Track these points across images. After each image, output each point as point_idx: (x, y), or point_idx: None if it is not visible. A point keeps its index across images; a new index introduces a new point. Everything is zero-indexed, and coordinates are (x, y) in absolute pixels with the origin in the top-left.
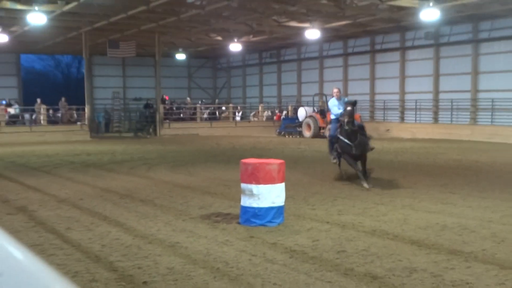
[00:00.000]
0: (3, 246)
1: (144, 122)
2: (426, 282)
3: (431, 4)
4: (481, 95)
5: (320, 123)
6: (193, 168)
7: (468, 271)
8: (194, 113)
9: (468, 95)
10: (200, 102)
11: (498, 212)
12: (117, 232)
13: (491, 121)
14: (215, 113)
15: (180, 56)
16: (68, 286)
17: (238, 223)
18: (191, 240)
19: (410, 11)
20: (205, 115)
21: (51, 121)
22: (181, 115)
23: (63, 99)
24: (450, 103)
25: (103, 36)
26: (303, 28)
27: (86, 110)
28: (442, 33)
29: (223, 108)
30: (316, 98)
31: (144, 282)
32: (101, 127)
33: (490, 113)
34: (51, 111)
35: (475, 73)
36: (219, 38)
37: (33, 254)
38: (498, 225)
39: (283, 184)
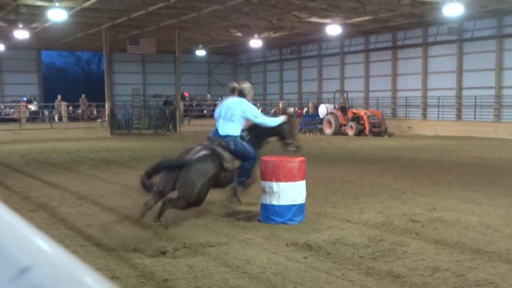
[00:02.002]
0: (31, 239)
1: (164, 119)
2: (449, 281)
3: None
4: (505, 91)
5: (341, 120)
6: None
7: (492, 271)
8: (214, 110)
9: (492, 92)
10: (219, 99)
11: None
12: (137, 229)
13: None
14: None
15: (200, 53)
16: (99, 279)
17: (259, 220)
18: (211, 237)
19: (432, 6)
20: None
21: (72, 117)
22: (204, 111)
23: (83, 95)
24: (473, 100)
25: (123, 33)
26: (324, 24)
27: (106, 106)
28: (465, 29)
29: None
30: (337, 95)
31: (165, 280)
32: (123, 124)
33: None
34: (71, 108)
35: (499, 69)
36: (239, 34)
37: (62, 248)
38: None
39: (303, 182)
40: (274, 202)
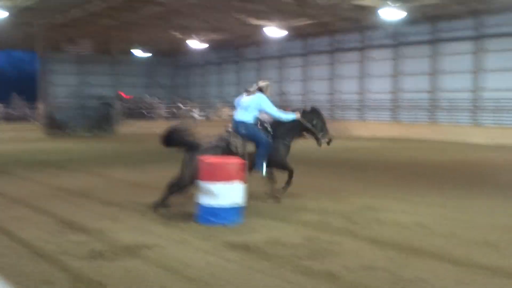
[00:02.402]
0: None
1: (101, 120)
2: (383, 279)
3: (390, 3)
4: (440, 95)
5: None
6: (150, 166)
7: (425, 268)
8: (153, 111)
9: (427, 95)
10: (158, 99)
11: (454, 209)
12: (72, 231)
13: (451, 120)
14: (174, 111)
15: (139, 54)
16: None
17: (196, 222)
18: (148, 239)
19: (370, 11)
20: (164, 113)
21: (4, 117)
22: (145, 112)
23: (15, 95)
24: (409, 102)
25: (60, 32)
26: (264, 27)
27: (41, 107)
28: (402, 33)
29: (182, 106)
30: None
31: (100, 283)
32: (60, 125)
33: (449, 113)
34: (1, 107)
35: (435, 73)
36: (179, 35)
37: None
38: (454, 222)
39: (242, 183)
40: (212, 203)
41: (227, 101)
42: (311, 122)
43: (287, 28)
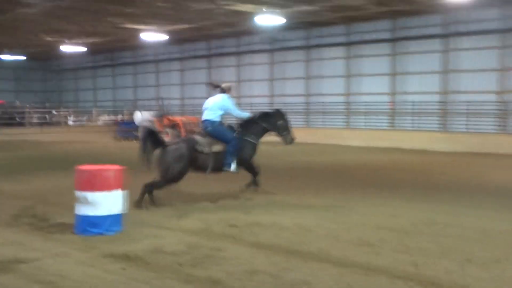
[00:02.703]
0: None
1: None
2: (266, 283)
3: (266, 9)
4: (312, 99)
5: (158, 127)
6: (23, 176)
7: (306, 270)
8: (24, 118)
9: (303, 99)
10: (28, 105)
11: (331, 211)
12: None
13: (325, 124)
14: (45, 118)
15: (7, 57)
16: None
17: (74, 232)
18: (22, 253)
19: (246, 16)
20: (36, 120)
21: None
22: (17, 119)
23: None
24: (286, 106)
25: None
26: (140, 31)
27: None
28: (278, 38)
29: (54, 112)
30: (156, 102)
31: None
32: None
33: (323, 116)
34: None
35: (308, 77)
36: (51, 39)
37: None
38: (332, 224)
39: (121, 191)
40: (90, 212)
41: (102, 106)
42: (276, 123)
43: (164, 33)
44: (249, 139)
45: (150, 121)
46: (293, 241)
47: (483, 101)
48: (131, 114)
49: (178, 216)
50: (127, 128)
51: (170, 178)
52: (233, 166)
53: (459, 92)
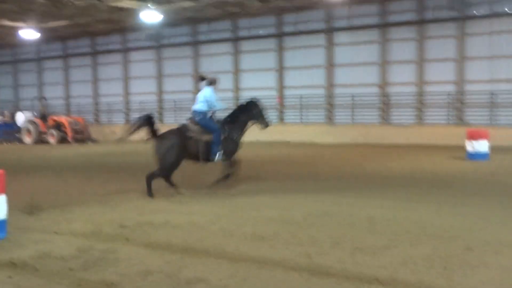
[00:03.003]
0: None
1: None
2: (161, 283)
3: (150, 5)
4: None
5: (42, 127)
6: None
7: (202, 268)
8: None
9: (190, 96)
10: None
11: (225, 207)
12: None
13: None
14: None
15: None
16: None
17: None
18: None
19: (130, 12)
20: None
21: None
22: None
23: None
24: (173, 104)
25: None
26: (17, 28)
27: None
28: (164, 35)
29: None
30: (38, 102)
31: None
32: None
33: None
34: None
35: (196, 74)
36: None
37: None
38: (226, 220)
39: (3, 196)
40: None
41: None
42: (252, 112)
43: (44, 30)
44: (234, 133)
45: (33, 121)
46: (187, 239)
47: (366, 94)
48: (12, 115)
49: (67, 220)
50: (8, 130)
51: (167, 166)
52: (218, 155)
53: (344, 85)
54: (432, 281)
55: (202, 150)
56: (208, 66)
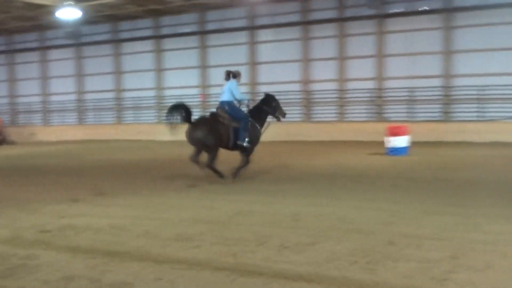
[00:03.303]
0: None
1: None
2: None
3: (67, 2)
4: (124, 94)
5: None
6: None
7: (126, 271)
8: None
9: (112, 95)
10: None
11: (149, 208)
12: None
13: (136, 120)
14: None
15: None
16: None
17: None
18: None
19: (48, 9)
20: None
21: None
22: None
23: None
24: (94, 104)
25: None
26: None
27: None
28: (84, 33)
29: None
30: None
31: None
32: None
33: (134, 112)
34: None
35: (119, 72)
36: None
37: None
38: (150, 221)
39: None
40: None
41: None
42: (272, 105)
43: None
44: (258, 123)
45: None
46: (111, 242)
47: (289, 91)
48: None
49: None
50: None
51: (212, 149)
52: (246, 141)
53: (267, 83)
54: (356, 276)
55: (232, 136)
56: (130, 65)
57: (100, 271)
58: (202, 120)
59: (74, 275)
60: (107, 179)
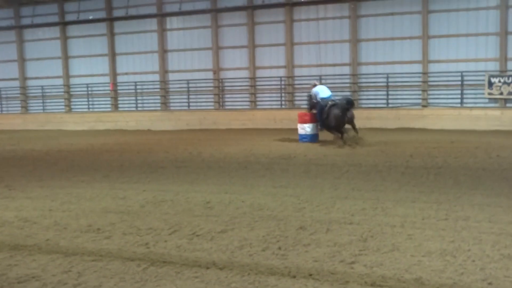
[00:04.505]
0: None
1: None
2: None
3: None
4: (29, 82)
5: None
6: None
7: (33, 264)
8: None
9: (17, 83)
10: None
11: (58, 200)
12: None
13: (43, 109)
14: None
15: None
16: None
17: None
18: None
19: None
20: None
21: None
22: None
23: None
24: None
25: None
26: None
27: None
28: None
29: None
30: None
31: None
32: None
33: (41, 101)
34: None
35: (22, 60)
36: None
37: None
38: (59, 213)
39: None
40: None
41: None
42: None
43: None
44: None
45: None
46: (17, 235)
47: (201, 79)
48: None
49: None
50: None
51: (334, 126)
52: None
53: (178, 71)
54: (267, 262)
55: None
56: (33, 53)
57: (5, 265)
58: (336, 105)
59: None
60: (13, 171)
